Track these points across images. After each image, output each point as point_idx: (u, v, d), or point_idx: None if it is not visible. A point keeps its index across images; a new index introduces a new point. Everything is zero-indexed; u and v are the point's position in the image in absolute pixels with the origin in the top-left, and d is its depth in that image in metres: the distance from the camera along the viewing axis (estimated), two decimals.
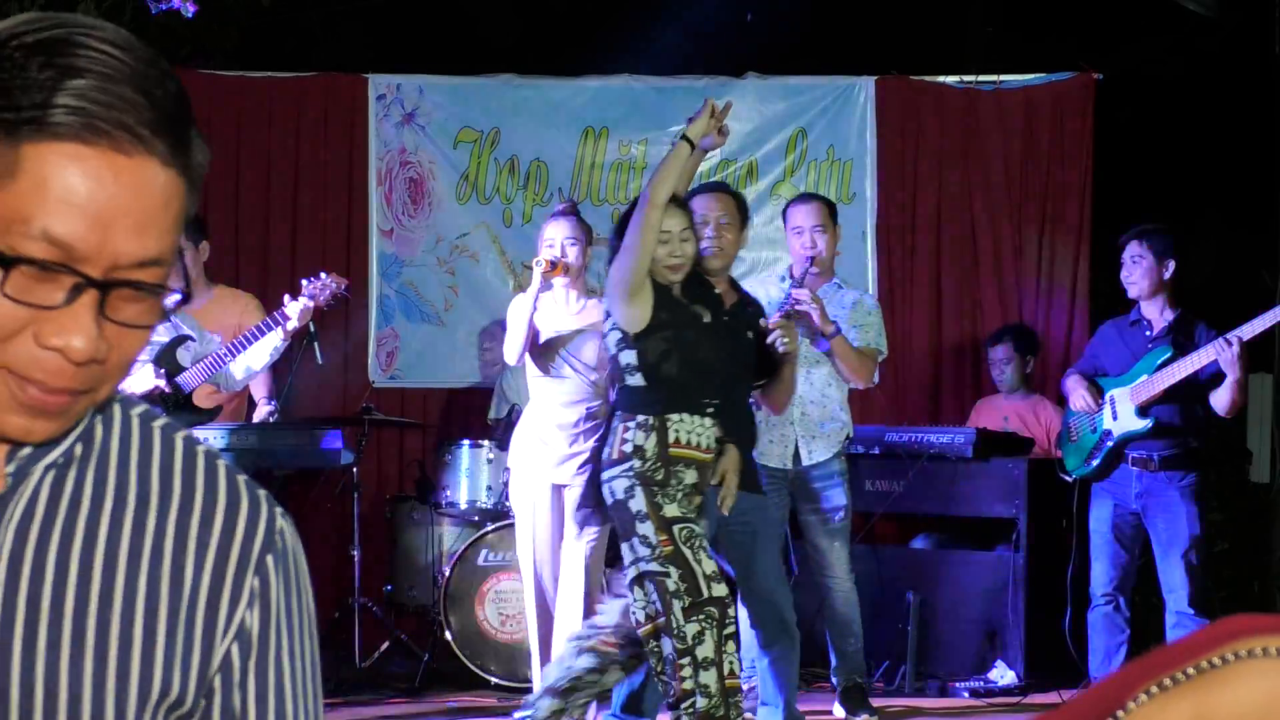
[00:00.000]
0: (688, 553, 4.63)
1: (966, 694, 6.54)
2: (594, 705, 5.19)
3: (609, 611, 4.94)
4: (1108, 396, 6.22)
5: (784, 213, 6.30)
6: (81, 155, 1.07)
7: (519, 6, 8.17)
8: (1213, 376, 5.99)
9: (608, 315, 4.88)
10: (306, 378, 6.86)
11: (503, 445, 6.45)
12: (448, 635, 6.51)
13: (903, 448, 6.85)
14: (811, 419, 6.04)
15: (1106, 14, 8.06)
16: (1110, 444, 6.19)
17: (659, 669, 4.73)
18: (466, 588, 6.57)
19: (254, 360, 5.93)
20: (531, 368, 5.72)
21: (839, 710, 6.02)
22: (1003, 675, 6.61)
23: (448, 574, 6.56)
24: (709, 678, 4.64)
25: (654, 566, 4.61)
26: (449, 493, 6.80)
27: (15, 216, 1.07)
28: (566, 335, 5.65)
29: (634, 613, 4.72)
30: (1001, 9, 8.39)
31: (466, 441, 6.87)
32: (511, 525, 6.08)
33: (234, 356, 5.82)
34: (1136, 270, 6.20)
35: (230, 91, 7.87)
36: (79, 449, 1.19)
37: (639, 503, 4.64)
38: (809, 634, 5.92)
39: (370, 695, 6.38)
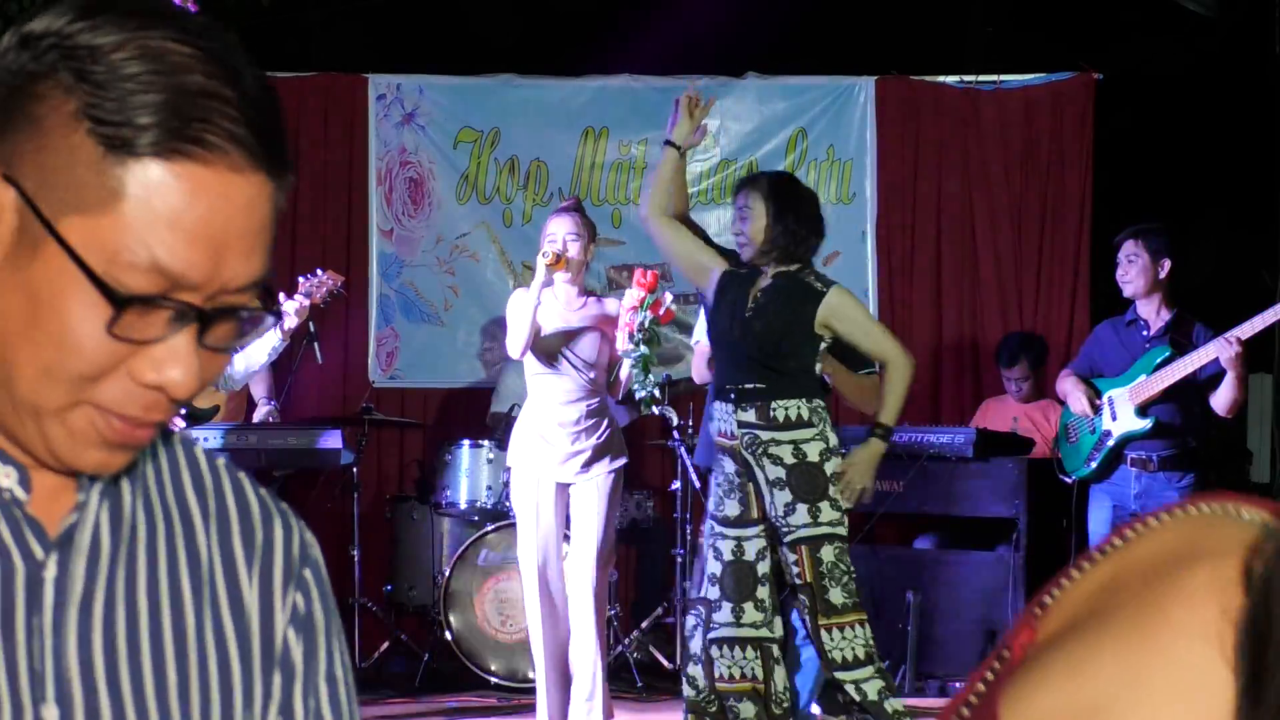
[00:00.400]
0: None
1: None
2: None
3: None
4: (1106, 397, 6.22)
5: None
6: (193, 174, 0.98)
7: (519, 6, 8.17)
8: (1212, 376, 5.98)
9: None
10: (306, 378, 6.87)
11: (502, 445, 6.45)
12: (448, 635, 6.51)
13: (903, 448, 6.84)
14: None
15: (1106, 14, 8.06)
16: (1110, 444, 6.18)
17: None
18: (466, 588, 6.57)
19: (252, 358, 5.93)
20: (531, 365, 5.72)
21: (815, 709, 6.02)
22: None
23: (448, 574, 6.56)
24: (693, 671, 4.80)
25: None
26: (449, 493, 6.80)
27: (119, 245, 0.97)
28: (564, 332, 5.66)
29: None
30: (1001, 9, 8.38)
31: (466, 441, 6.87)
32: (512, 525, 6.08)
33: (232, 355, 5.82)
34: (1132, 269, 6.19)
35: None
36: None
37: None
38: None
39: (370, 695, 6.38)
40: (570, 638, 5.64)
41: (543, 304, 5.62)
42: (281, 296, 5.89)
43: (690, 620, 4.97)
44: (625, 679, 6.68)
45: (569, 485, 5.63)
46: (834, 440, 4.84)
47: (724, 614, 4.87)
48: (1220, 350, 5.88)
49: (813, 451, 4.75)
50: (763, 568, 4.87)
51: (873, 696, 4.79)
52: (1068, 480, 6.37)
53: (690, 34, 7.92)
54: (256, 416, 6.66)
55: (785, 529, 4.79)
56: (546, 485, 5.64)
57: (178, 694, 1.08)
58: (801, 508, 4.76)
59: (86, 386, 1.00)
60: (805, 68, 8.14)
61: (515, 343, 5.63)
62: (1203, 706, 0.82)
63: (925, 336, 8.07)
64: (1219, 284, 7.29)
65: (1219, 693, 0.82)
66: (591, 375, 5.64)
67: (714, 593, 4.89)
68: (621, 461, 5.69)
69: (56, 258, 0.98)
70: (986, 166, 8.09)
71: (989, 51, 8.24)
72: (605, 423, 5.65)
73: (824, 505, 4.74)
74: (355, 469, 6.77)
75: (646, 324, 5.53)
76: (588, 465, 5.60)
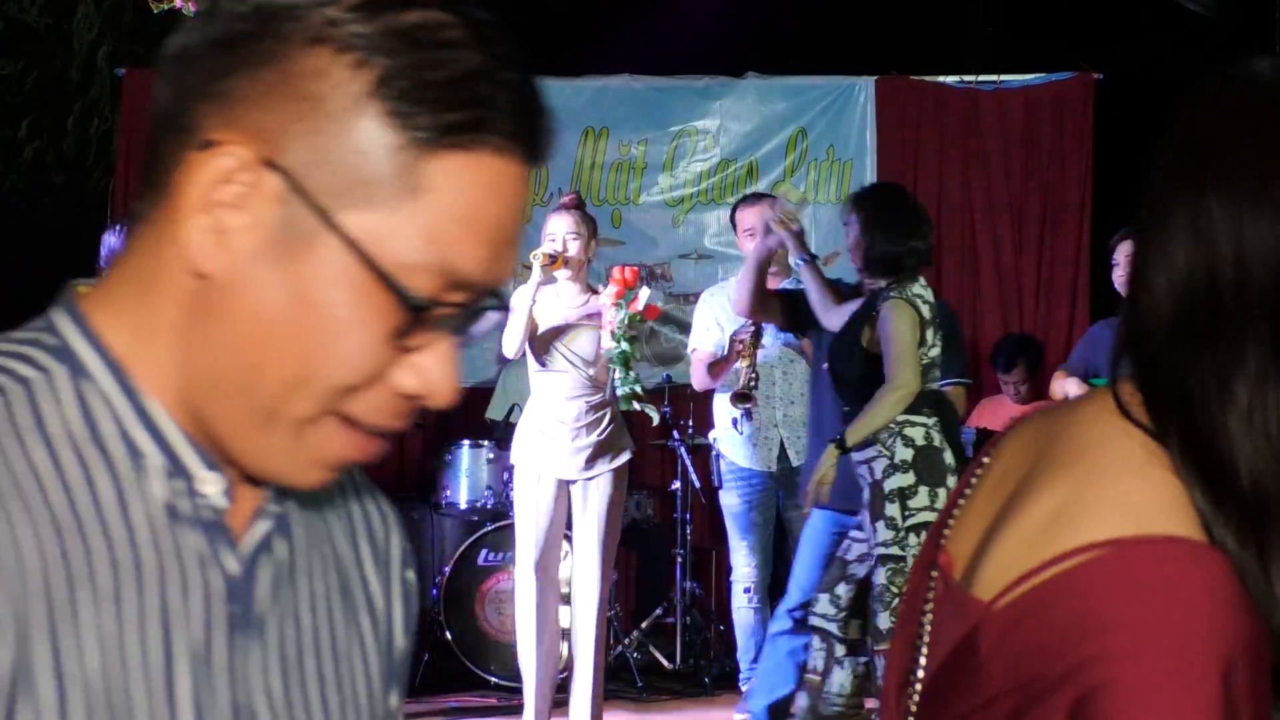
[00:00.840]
0: None
1: None
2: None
3: None
4: None
5: (732, 217, 6.22)
6: (489, 168, 0.88)
7: (519, 6, 8.17)
8: None
9: None
10: None
11: (503, 445, 6.45)
12: (448, 635, 6.51)
13: None
14: (795, 418, 6.03)
15: (1106, 14, 8.06)
16: None
17: None
18: (466, 588, 6.57)
19: None
20: (531, 363, 5.72)
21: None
22: None
23: (447, 574, 6.56)
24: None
25: None
26: (449, 493, 6.80)
27: (411, 244, 0.86)
28: (562, 328, 5.66)
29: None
30: (1001, 9, 8.39)
31: (466, 441, 6.87)
32: (512, 525, 6.08)
33: None
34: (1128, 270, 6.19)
35: None
36: None
37: None
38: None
39: None
40: (568, 636, 5.64)
41: (544, 302, 5.62)
42: None
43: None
44: (625, 679, 6.68)
45: (571, 483, 5.62)
46: (903, 454, 4.59)
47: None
48: None
49: (879, 469, 4.62)
50: (857, 569, 4.79)
51: None
52: None
53: (690, 34, 7.94)
54: None
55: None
56: (547, 482, 5.64)
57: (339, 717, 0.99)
58: (869, 526, 4.68)
59: (343, 397, 0.89)
60: (805, 68, 8.14)
61: (510, 343, 5.63)
62: (1156, 476, 1.06)
63: None
64: None
65: (1165, 467, 1.06)
66: (591, 372, 5.64)
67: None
68: (625, 457, 5.67)
69: (335, 255, 0.86)
70: (986, 166, 8.09)
71: (989, 51, 8.25)
72: (607, 418, 5.65)
73: (880, 525, 4.59)
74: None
75: (625, 320, 5.50)
76: (590, 462, 5.59)
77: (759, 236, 5.29)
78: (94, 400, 0.90)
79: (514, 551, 5.98)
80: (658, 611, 7.07)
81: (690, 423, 6.93)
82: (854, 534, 4.81)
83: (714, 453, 6.38)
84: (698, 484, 6.80)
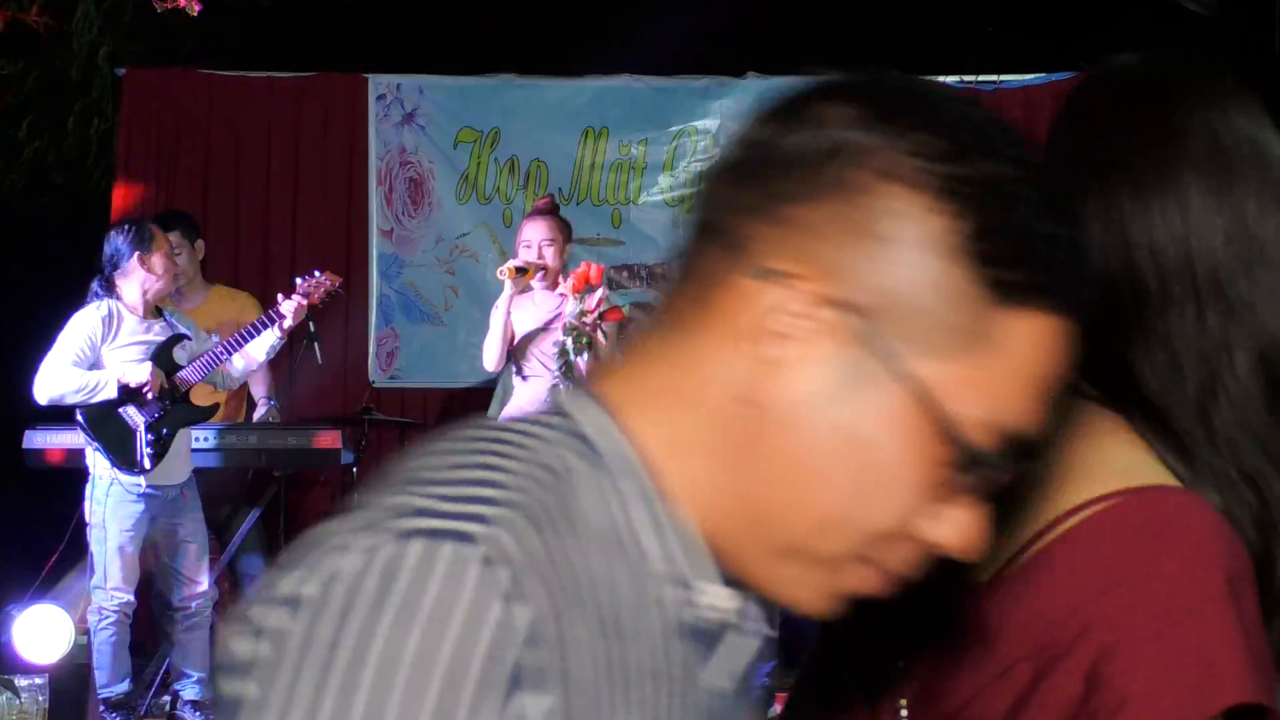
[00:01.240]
0: None
1: None
2: None
3: None
4: None
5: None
6: (1050, 328, 0.87)
7: (519, 6, 8.17)
8: None
9: None
10: (306, 378, 6.87)
11: None
12: None
13: None
14: None
15: (1106, 14, 8.06)
16: None
17: None
18: None
19: (251, 357, 5.95)
20: (512, 371, 5.75)
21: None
22: None
23: None
24: None
25: None
26: None
27: (973, 397, 0.85)
28: (534, 334, 5.66)
29: None
30: (1001, 9, 8.39)
31: None
32: None
33: (230, 354, 5.85)
34: None
35: (230, 91, 7.87)
36: None
37: None
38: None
39: None
40: None
41: (520, 309, 5.63)
42: (280, 297, 5.92)
43: None
44: None
45: None
46: None
47: None
48: None
49: None
50: None
51: None
52: None
53: (690, 34, 7.93)
54: (256, 416, 6.66)
55: None
56: None
57: None
58: None
59: (874, 544, 0.87)
60: (805, 68, 8.12)
61: (489, 355, 5.66)
62: (1126, 439, 1.11)
63: None
64: None
65: (1130, 431, 1.11)
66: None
67: None
68: None
69: (896, 400, 0.84)
70: None
71: (989, 51, 8.25)
72: None
73: None
74: (355, 469, 6.77)
75: (573, 319, 5.47)
76: None
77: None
78: (624, 501, 0.87)
79: None
80: None
81: None
82: None
83: None
84: None
